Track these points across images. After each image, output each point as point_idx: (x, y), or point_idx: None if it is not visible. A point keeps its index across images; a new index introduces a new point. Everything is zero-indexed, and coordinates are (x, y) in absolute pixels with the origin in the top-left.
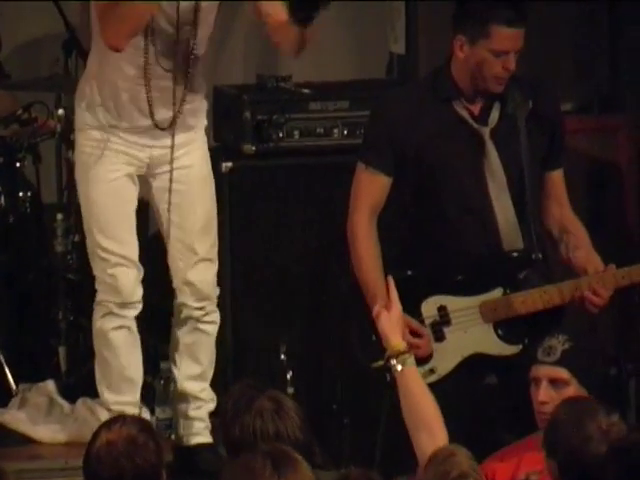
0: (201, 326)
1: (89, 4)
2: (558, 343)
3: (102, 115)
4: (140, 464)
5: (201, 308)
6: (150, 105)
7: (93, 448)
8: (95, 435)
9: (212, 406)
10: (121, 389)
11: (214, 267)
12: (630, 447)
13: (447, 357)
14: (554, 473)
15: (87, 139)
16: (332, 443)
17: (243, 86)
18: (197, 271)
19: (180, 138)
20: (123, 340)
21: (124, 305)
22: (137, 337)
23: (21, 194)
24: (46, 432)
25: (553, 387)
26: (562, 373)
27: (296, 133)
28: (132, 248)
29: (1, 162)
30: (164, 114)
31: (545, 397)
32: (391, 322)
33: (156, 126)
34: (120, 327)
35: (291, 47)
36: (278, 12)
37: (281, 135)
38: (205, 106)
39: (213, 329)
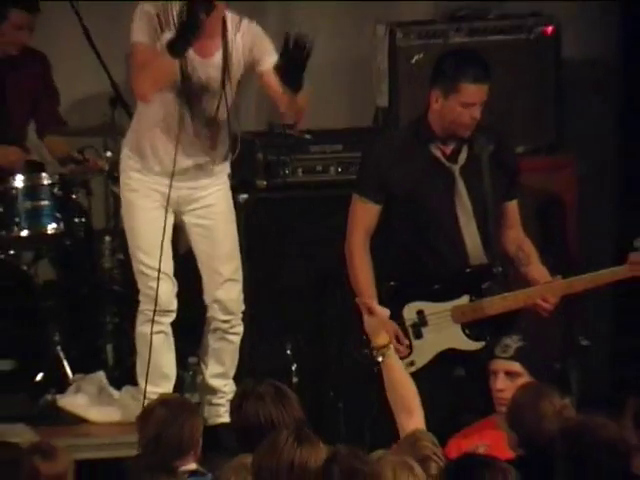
0: (227, 336)
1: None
2: (512, 342)
3: (140, 160)
4: (178, 433)
5: (227, 321)
6: (176, 155)
7: (142, 423)
8: (144, 413)
9: (232, 396)
10: (157, 382)
11: (238, 286)
12: (579, 427)
13: (424, 352)
14: (514, 444)
15: (129, 179)
16: (329, 424)
17: (256, 132)
18: (223, 290)
19: (205, 181)
20: (160, 342)
21: (162, 313)
22: (172, 340)
23: (76, 220)
24: (97, 414)
25: (508, 378)
26: (515, 367)
27: (299, 171)
28: (169, 266)
29: (60, 195)
30: (189, 162)
31: (502, 386)
32: (374, 324)
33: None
34: (158, 332)
35: (291, 115)
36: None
37: (287, 172)
38: (228, 155)
39: (237, 339)
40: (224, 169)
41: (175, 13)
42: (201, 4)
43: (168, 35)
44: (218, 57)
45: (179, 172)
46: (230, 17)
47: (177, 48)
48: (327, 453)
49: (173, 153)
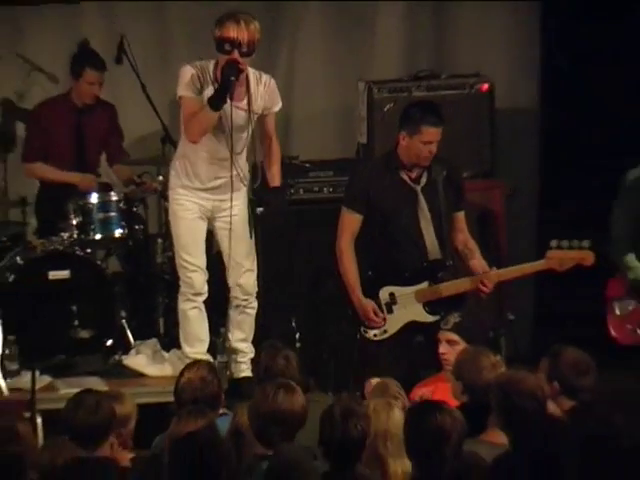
0: (246, 310)
1: (180, 113)
2: (453, 318)
3: (184, 180)
4: (207, 392)
5: (246, 299)
6: (211, 174)
7: (180, 381)
8: (181, 373)
9: (252, 355)
10: (195, 345)
11: (254, 274)
12: (509, 378)
13: (394, 323)
14: (458, 393)
15: (175, 194)
16: (323, 377)
17: None
18: (244, 277)
19: (232, 195)
20: (196, 316)
21: (196, 294)
22: (205, 314)
23: (136, 227)
24: (152, 370)
25: (449, 345)
26: (453, 336)
27: (301, 190)
28: (202, 261)
29: (124, 208)
30: (220, 181)
31: (443, 350)
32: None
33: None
34: (194, 307)
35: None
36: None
37: (292, 192)
38: (248, 177)
39: (253, 312)
40: (244, 188)
41: (211, 72)
42: (232, 70)
43: (207, 90)
44: (244, 102)
45: (213, 189)
46: (252, 72)
47: (216, 105)
48: (333, 399)
49: (209, 174)
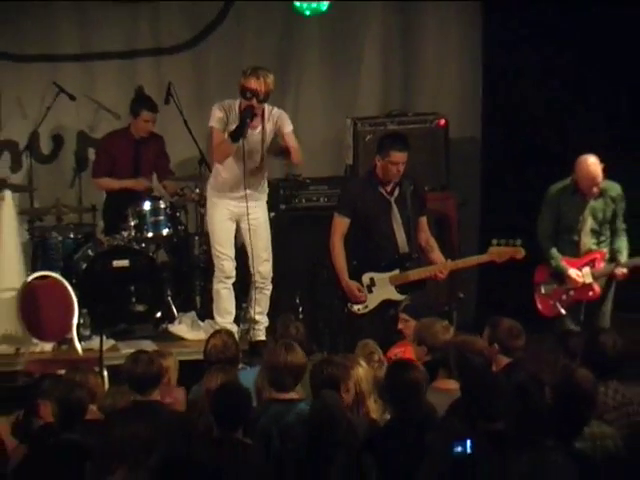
0: (263, 291)
1: (210, 144)
2: (405, 300)
3: (218, 190)
4: (228, 354)
5: (263, 283)
6: (237, 187)
7: (208, 345)
8: (207, 340)
9: (266, 324)
10: (225, 317)
11: (270, 263)
12: (461, 341)
13: (373, 300)
14: (421, 356)
15: (211, 202)
16: (320, 340)
17: (280, 179)
18: (262, 266)
19: (253, 203)
20: (227, 294)
21: (227, 277)
22: (233, 293)
23: (179, 227)
24: (191, 335)
25: (403, 322)
26: (405, 316)
27: (303, 200)
28: (231, 252)
29: (170, 213)
30: (246, 192)
31: (401, 326)
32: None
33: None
34: (225, 288)
35: (297, 159)
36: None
37: (296, 201)
38: (266, 189)
39: (268, 292)
40: (264, 197)
41: (236, 110)
42: (248, 114)
43: (232, 124)
44: (259, 130)
45: (240, 197)
46: (266, 107)
47: (235, 139)
48: (320, 358)
49: (234, 187)
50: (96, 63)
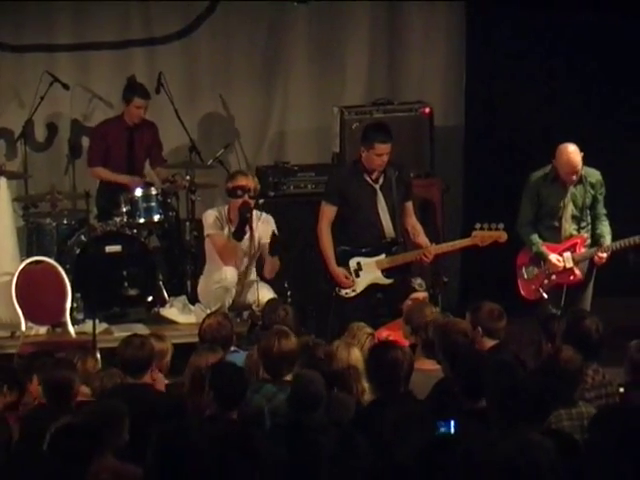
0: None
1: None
2: (422, 281)
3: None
4: (223, 334)
5: None
6: None
7: (202, 325)
8: (203, 320)
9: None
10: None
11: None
12: (446, 321)
13: (360, 284)
14: (408, 332)
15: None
16: (308, 324)
17: (269, 166)
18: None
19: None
20: None
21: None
22: None
23: (170, 214)
24: (182, 318)
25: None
26: (425, 295)
27: (292, 187)
28: None
29: (161, 199)
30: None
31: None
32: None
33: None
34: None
35: (269, 271)
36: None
37: (285, 187)
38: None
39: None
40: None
41: (225, 214)
42: (246, 210)
43: (226, 229)
44: (248, 234)
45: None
46: (255, 212)
47: (239, 236)
48: (303, 341)
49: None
50: (90, 53)
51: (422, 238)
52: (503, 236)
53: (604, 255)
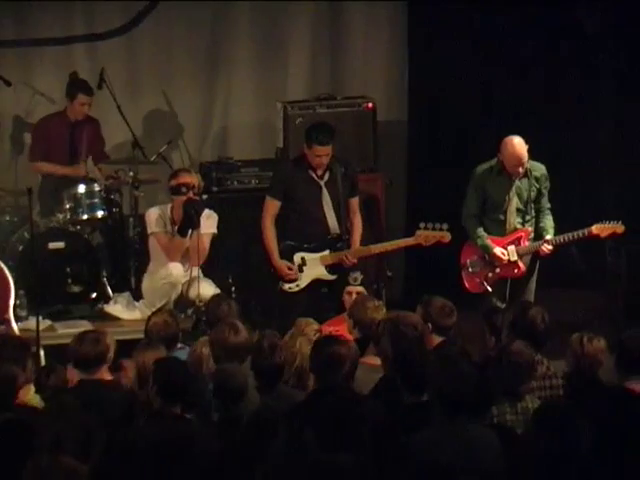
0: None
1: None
2: (358, 276)
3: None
4: (169, 332)
5: None
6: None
7: (148, 323)
8: (149, 317)
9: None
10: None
11: None
12: (396, 316)
13: (304, 279)
14: (351, 326)
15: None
16: (252, 319)
17: (212, 161)
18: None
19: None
20: None
21: None
22: None
23: (114, 210)
24: (126, 315)
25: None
26: (361, 289)
27: (235, 182)
28: None
29: (104, 196)
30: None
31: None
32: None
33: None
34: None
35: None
36: None
37: (228, 183)
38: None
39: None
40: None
41: (168, 213)
42: (192, 206)
43: (169, 227)
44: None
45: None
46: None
47: (184, 233)
48: (256, 335)
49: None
50: (31, 49)
51: (354, 238)
52: (447, 237)
53: (550, 247)
